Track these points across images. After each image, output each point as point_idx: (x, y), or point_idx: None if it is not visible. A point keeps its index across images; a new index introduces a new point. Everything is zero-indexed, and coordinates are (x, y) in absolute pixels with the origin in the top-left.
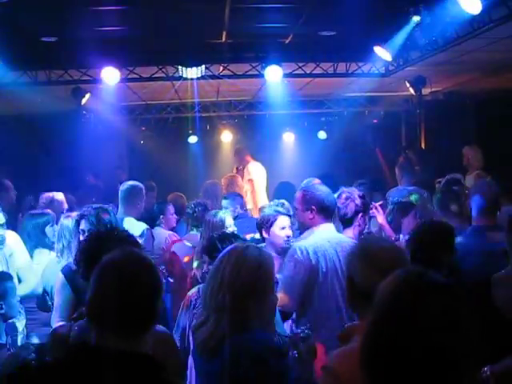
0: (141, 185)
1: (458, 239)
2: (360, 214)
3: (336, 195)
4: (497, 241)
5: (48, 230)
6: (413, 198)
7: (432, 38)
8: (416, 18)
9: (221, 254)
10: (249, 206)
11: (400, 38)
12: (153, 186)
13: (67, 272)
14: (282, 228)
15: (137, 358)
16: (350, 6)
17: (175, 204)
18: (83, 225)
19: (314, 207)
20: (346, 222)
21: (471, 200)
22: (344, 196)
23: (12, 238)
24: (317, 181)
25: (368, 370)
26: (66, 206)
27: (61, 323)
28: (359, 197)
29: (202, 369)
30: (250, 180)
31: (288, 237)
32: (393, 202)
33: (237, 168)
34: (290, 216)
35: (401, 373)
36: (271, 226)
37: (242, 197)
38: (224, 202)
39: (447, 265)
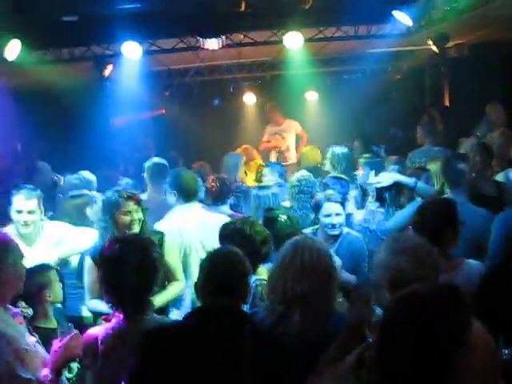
0: (164, 161)
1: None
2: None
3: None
4: None
5: (89, 211)
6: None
7: (453, 4)
8: None
9: (288, 244)
10: (292, 161)
11: (420, 1)
12: (177, 159)
13: (94, 255)
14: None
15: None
16: None
17: (200, 173)
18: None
19: None
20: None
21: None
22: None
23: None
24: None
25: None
26: (95, 183)
27: (95, 301)
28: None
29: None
30: (302, 132)
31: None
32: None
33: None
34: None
35: None
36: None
37: (281, 165)
38: (265, 171)
39: None
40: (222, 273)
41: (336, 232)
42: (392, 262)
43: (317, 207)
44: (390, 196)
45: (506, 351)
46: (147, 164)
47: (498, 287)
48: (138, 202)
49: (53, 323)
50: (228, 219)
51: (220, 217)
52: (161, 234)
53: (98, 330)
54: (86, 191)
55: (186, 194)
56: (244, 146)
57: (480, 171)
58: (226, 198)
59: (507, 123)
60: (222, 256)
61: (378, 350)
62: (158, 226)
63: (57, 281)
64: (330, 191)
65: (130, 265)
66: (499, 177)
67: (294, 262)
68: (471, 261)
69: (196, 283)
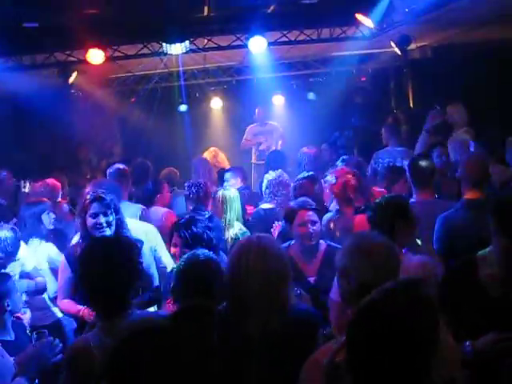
0: (125, 167)
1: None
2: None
3: (332, 178)
4: None
5: (44, 217)
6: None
7: (412, 5)
8: None
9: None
10: None
11: (380, 4)
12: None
13: (68, 256)
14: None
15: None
16: None
17: (169, 179)
18: (95, 208)
19: None
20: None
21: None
22: (341, 182)
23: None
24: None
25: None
26: (60, 191)
27: (66, 300)
28: (353, 176)
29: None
30: (282, 135)
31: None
32: (383, 167)
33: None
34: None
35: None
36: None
37: (243, 170)
38: (227, 175)
39: None
40: (200, 276)
41: (313, 243)
42: (348, 263)
43: (290, 216)
44: None
45: (468, 343)
46: (109, 170)
47: (458, 284)
48: (107, 205)
49: (10, 335)
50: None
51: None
52: (140, 243)
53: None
54: (44, 199)
55: None
56: (212, 149)
57: (441, 171)
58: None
59: (469, 123)
60: (199, 260)
61: (350, 363)
62: None
63: (16, 290)
64: (302, 198)
65: (102, 264)
66: None
67: (239, 265)
68: (410, 255)
69: (173, 287)
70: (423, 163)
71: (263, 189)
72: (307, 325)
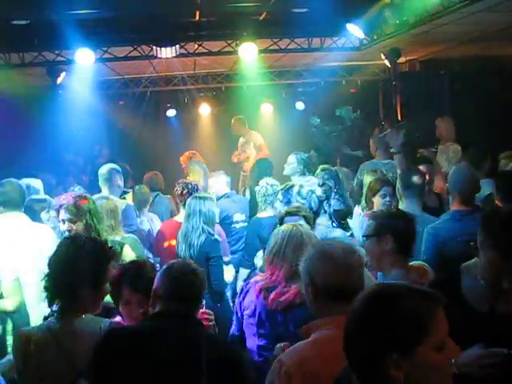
0: (118, 167)
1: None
2: (324, 202)
3: (296, 191)
4: None
5: (44, 215)
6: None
7: (403, 17)
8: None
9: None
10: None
11: (372, 15)
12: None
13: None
14: None
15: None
16: None
17: (151, 183)
18: (63, 215)
19: None
20: (316, 214)
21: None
22: (305, 191)
23: None
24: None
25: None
26: (42, 192)
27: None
28: (319, 186)
29: None
30: (261, 145)
31: None
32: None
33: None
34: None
35: None
36: None
37: (226, 175)
38: (210, 181)
39: None
40: (182, 281)
41: None
42: (310, 267)
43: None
44: None
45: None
46: (101, 170)
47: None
48: (76, 213)
49: None
50: None
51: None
52: (120, 245)
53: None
54: (46, 197)
55: None
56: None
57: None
58: None
59: (456, 136)
60: (182, 265)
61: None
62: None
63: None
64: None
65: (64, 259)
66: None
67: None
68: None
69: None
70: (411, 176)
71: (258, 198)
72: None
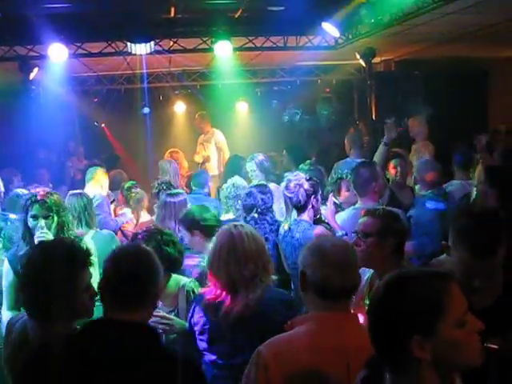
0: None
1: None
2: (312, 197)
3: (284, 184)
4: None
5: None
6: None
7: (378, 17)
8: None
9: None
10: (213, 172)
11: (347, 14)
12: None
13: (11, 258)
14: None
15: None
16: None
17: (113, 180)
18: (34, 210)
19: None
20: (301, 208)
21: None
22: (292, 184)
23: None
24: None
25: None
26: (2, 188)
27: (7, 313)
28: (306, 180)
29: None
30: (219, 146)
31: None
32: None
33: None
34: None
35: None
36: None
37: (206, 175)
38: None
39: None
40: (127, 273)
41: None
42: (304, 260)
43: None
44: None
45: None
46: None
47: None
48: (48, 208)
49: None
50: None
51: None
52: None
53: None
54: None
55: None
56: (172, 150)
57: (398, 181)
58: None
59: (428, 135)
60: (128, 253)
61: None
62: None
63: None
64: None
65: (37, 265)
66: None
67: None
68: None
69: (98, 286)
70: (364, 170)
71: (222, 198)
72: None
